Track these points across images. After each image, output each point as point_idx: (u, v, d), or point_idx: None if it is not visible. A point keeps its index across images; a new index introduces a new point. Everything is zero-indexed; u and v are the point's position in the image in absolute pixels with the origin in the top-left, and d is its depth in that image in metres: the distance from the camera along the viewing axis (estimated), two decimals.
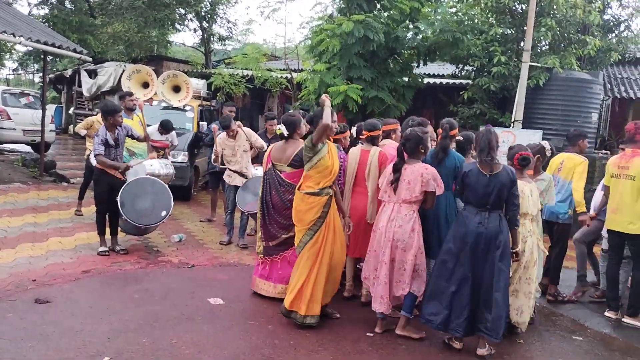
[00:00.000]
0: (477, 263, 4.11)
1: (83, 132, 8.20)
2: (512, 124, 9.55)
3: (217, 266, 6.16)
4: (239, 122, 7.46)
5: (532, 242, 4.53)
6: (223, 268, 6.10)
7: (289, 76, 13.37)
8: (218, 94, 13.79)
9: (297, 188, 4.68)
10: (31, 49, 10.70)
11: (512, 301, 4.42)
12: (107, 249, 6.26)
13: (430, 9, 10.35)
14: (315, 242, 4.51)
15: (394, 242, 4.31)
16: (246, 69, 13.88)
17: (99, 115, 8.19)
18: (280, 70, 14.49)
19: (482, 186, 4.12)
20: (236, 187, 7.08)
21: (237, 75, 13.78)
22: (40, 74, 27.47)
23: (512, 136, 9.08)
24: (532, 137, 9.11)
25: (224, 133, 7.27)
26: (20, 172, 10.37)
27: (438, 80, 13.17)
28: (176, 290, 5.17)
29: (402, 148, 4.43)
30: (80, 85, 16.43)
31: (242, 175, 7.14)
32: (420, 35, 10.31)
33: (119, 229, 6.45)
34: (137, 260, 6.11)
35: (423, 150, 4.43)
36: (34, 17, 20.76)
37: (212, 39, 17.20)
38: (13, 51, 23.49)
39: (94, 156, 6.23)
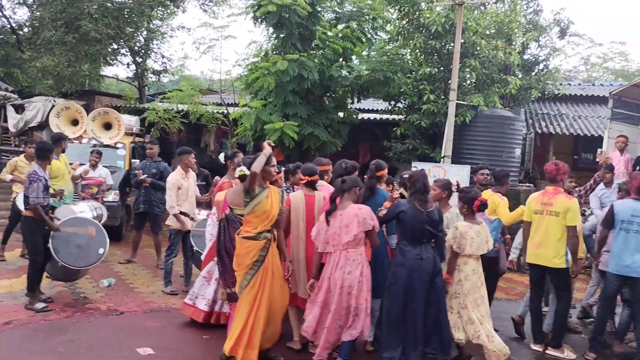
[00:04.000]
0: (423, 292, 4.40)
1: (9, 177, 7.71)
2: (442, 159, 9.91)
3: (148, 312, 5.96)
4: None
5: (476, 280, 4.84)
6: (154, 314, 5.91)
7: (225, 111, 13.35)
8: (152, 129, 13.56)
9: (236, 233, 4.61)
10: None
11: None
12: (46, 305, 5.78)
13: (362, 50, 10.68)
14: (252, 286, 4.44)
15: (345, 289, 4.36)
16: (181, 103, 13.77)
17: (23, 155, 7.95)
18: (217, 105, 14.45)
19: (420, 222, 4.46)
20: (187, 232, 6.63)
21: (172, 110, 13.63)
22: None
23: (443, 171, 9.39)
24: (461, 171, 9.45)
25: (179, 171, 6.76)
26: None
27: (372, 116, 13.53)
28: (104, 340, 4.97)
29: (340, 188, 4.52)
30: (5, 121, 15.71)
31: (192, 218, 6.71)
32: (354, 74, 10.62)
33: (45, 274, 6.09)
34: (63, 308, 5.83)
35: (358, 193, 4.58)
36: None
37: (146, 73, 16.90)
38: None
39: (32, 203, 5.61)
